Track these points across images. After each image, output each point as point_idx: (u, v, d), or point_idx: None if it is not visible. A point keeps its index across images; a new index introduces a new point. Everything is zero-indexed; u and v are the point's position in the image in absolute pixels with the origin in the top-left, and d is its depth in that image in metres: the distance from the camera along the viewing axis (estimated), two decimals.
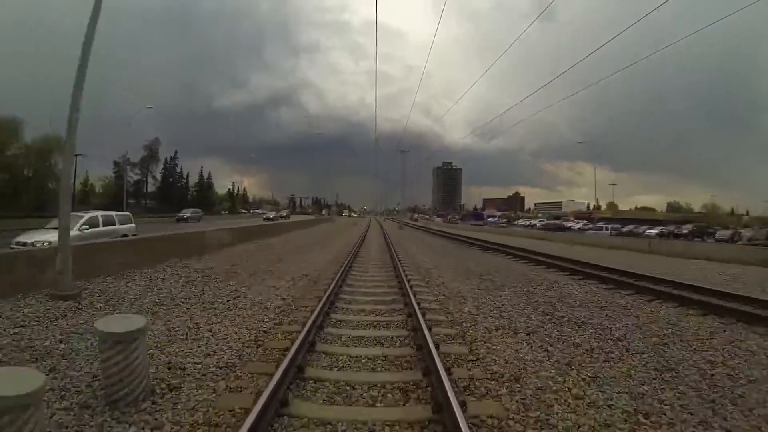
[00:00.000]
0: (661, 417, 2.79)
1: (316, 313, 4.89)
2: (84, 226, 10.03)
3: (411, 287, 6.82)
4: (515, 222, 73.92)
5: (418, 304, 5.57)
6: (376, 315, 5.45)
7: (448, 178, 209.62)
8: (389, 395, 3.07)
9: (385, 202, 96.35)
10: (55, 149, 40.82)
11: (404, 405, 2.94)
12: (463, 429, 2.35)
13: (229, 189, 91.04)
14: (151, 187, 59.08)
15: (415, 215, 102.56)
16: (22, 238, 9.61)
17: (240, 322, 4.89)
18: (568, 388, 3.18)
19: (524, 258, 12.85)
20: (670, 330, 4.99)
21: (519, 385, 3.21)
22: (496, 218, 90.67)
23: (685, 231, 41.70)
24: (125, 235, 11.61)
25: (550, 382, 3.28)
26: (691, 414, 2.85)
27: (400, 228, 39.70)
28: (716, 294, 6.93)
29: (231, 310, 5.43)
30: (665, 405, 2.96)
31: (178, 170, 70.23)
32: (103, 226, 10.51)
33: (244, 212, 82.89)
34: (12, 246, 9.88)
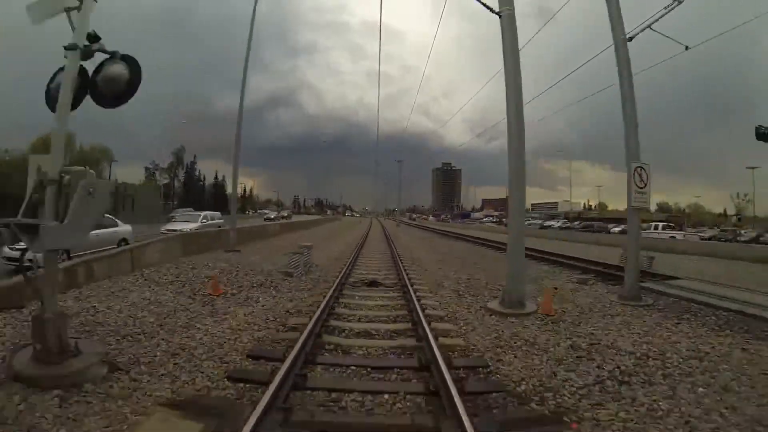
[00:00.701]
0: (464, 271, 9.50)
1: (354, 254, 11.65)
2: (203, 220, 16.80)
3: (395, 247, 13.60)
4: (504, 221, 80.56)
5: (397, 251, 12.32)
6: (379, 253, 12.21)
7: (448, 178, 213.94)
8: (383, 266, 9.79)
9: (386, 202, 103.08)
10: (102, 158, 47.78)
11: (385, 263, 9.70)
12: (405, 279, 9.01)
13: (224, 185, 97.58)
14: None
15: (413, 215, 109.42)
16: (168, 227, 16.33)
17: (326, 254, 11.62)
18: (441, 269, 9.90)
19: (466, 240, 19.68)
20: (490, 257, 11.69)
21: (424, 269, 9.95)
22: (491, 218, 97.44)
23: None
24: (219, 227, 18.37)
25: (436, 270, 10.02)
26: (474, 270, 9.56)
27: (397, 225, 46.88)
28: (536, 250, 13.60)
29: (320, 250, 12.16)
30: (467, 271, 9.65)
31: (197, 173, 77.46)
32: (210, 220, 17.24)
33: (253, 212, 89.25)
34: (162, 231, 16.58)
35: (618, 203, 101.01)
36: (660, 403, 2.99)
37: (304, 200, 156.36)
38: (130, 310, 5.26)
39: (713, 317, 5.66)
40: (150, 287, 7.04)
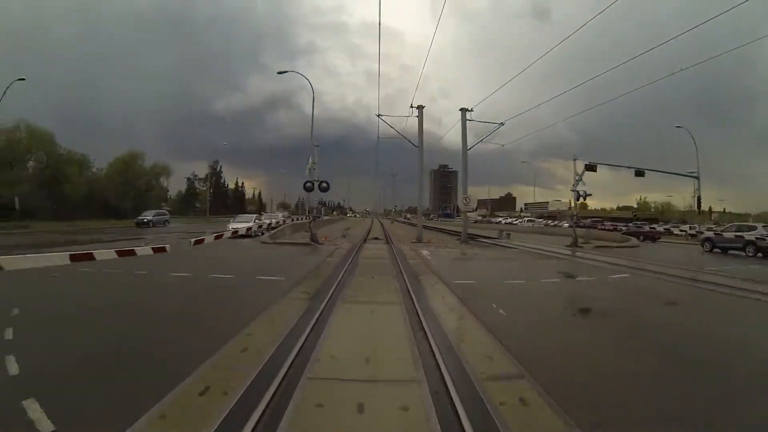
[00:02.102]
0: (412, 236, 23.56)
1: (366, 233, 25.77)
2: (276, 220, 30.75)
3: (386, 230, 27.67)
4: (489, 220, 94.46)
5: (387, 233, 26.42)
6: (378, 233, 26.30)
7: (445, 180, 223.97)
8: (380, 235, 23.83)
9: (385, 203, 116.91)
10: (162, 173, 61.61)
11: (381, 235, 23.80)
12: (389, 238, 22.97)
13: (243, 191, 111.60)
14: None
15: (407, 215, 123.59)
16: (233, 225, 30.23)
17: (354, 233, 25.62)
18: (404, 236, 23.96)
19: (430, 228, 33.76)
20: (428, 233, 25.76)
21: (397, 236, 24.01)
22: (480, 217, 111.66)
23: (586, 222, 62.59)
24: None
25: (401, 236, 24.07)
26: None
27: (391, 223, 61.03)
28: (444, 229, 27.63)
29: (352, 229, 26.18)
30: (413, 235, 23.68)
31: (221, 180, 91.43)
32: (259, 219, 31.14)
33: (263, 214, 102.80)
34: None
35: (607, 202, 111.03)
36: (442, 249, 17.05)
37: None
38: None
39: (486, 245, 19.52)
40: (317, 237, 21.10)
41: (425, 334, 4.12)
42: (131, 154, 57.51)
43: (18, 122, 40.56)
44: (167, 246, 6.70)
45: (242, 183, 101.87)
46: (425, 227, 44.65)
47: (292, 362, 3.20)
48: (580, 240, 20.02)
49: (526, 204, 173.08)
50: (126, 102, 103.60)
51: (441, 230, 33.13)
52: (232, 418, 2.29)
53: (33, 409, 2.45)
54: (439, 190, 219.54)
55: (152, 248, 6.52)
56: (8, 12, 65.60)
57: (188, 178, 74.23)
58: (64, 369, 3.22)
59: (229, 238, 21.42)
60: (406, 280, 7.65)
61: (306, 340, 3.82)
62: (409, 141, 20.56)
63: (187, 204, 76.82)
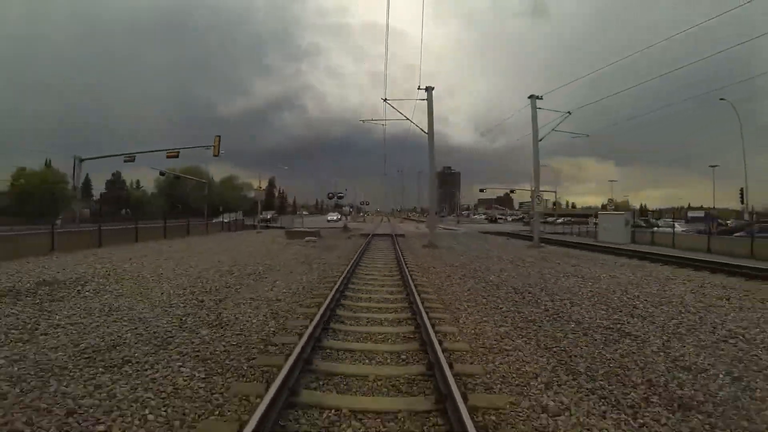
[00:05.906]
0: (399, 222, 54.99)
1: (377, 223, 57.63)
2: (338, 215, 62.16)
3: (390, 222, 59.28)
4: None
5: (389, 222, 58.08)
6: (386, 224, 57.93)
7: (448, 181, 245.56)
8: (387, 222, 55.41)
9: (392, 203, 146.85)
10: (244, 187, 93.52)
11: (387, 220, 55.54)
12: (389, 222, 54.25)
13: (285, 196, 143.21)
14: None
15: (410, 214, 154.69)
16: (328, 218, 61.81)
17: (376, 221, 57.13)
18: (395, 223, 55.53)
19: (415, 220, 65.07)
20: (411, 222, 57.12)
21: (393, 223, 55.68)
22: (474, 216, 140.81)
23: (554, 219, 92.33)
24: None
25: (395, 223, 55.66)
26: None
27: (394, 218, 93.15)
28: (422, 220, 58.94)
29: (374, 220, 57.70)
30: (399, 221, 55.02)
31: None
32: (338, 215, 62.27)
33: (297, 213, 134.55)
34: (328, 220, 62.11)
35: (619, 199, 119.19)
36: (411, 224, 48.63)
37: (323, 201, 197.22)
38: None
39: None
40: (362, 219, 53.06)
41: (392, 231, 35.63)
42: (232, 176, 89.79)
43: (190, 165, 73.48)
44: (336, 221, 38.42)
45: (283, 190, 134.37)
46: (411, 219, 76.44)
47: (371, 235, 34.67)
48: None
49: (521, 203, 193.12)
50: (132, 103, 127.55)
51: (420, 221, 64.03)
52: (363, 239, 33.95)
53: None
54: (441, 190, 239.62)
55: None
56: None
57: (254, 190, 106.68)
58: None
59: (328, 221, 53.27)
60: (391, 228, 38.95)
61: (371, 237, 35.08)
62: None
63: (253, 208, 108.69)
